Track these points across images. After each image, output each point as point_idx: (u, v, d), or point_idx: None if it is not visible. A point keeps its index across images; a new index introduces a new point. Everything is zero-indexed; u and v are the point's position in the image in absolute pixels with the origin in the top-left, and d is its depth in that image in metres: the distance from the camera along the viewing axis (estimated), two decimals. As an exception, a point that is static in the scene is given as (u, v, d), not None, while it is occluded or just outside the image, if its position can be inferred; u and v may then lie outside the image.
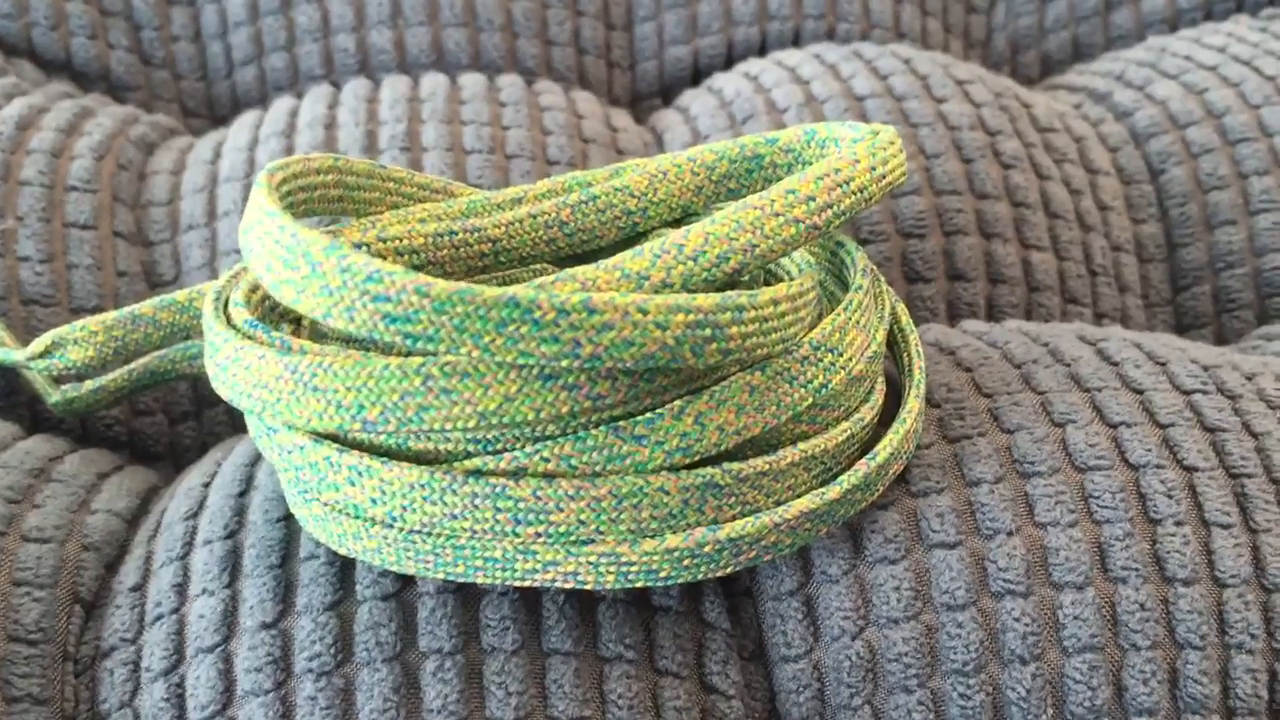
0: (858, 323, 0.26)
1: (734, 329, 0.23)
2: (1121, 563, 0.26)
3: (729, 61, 0.47)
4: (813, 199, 0.24)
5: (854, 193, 0.25)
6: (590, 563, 0.24)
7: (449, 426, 0.22)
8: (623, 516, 0.24)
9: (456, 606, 0.25)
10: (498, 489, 0.23)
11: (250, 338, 0.24)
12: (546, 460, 0.23)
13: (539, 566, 0.24)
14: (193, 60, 0.46)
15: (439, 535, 0.24)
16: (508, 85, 0.41)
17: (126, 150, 0.39)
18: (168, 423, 0.35)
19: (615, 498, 0.24)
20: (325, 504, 0.25)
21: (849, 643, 0.26)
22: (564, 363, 0.21)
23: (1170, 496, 0.26)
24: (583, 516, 0.24)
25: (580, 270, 0.23)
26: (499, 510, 0.23)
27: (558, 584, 0.24)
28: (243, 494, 0.28)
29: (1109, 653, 0.25)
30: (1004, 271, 0.37)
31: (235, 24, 0.45)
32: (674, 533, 0.24)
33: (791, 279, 0.29)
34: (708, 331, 0.22)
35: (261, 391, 0.23)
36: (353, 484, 0.24)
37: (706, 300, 0.22)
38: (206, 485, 0.29)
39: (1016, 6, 0.51)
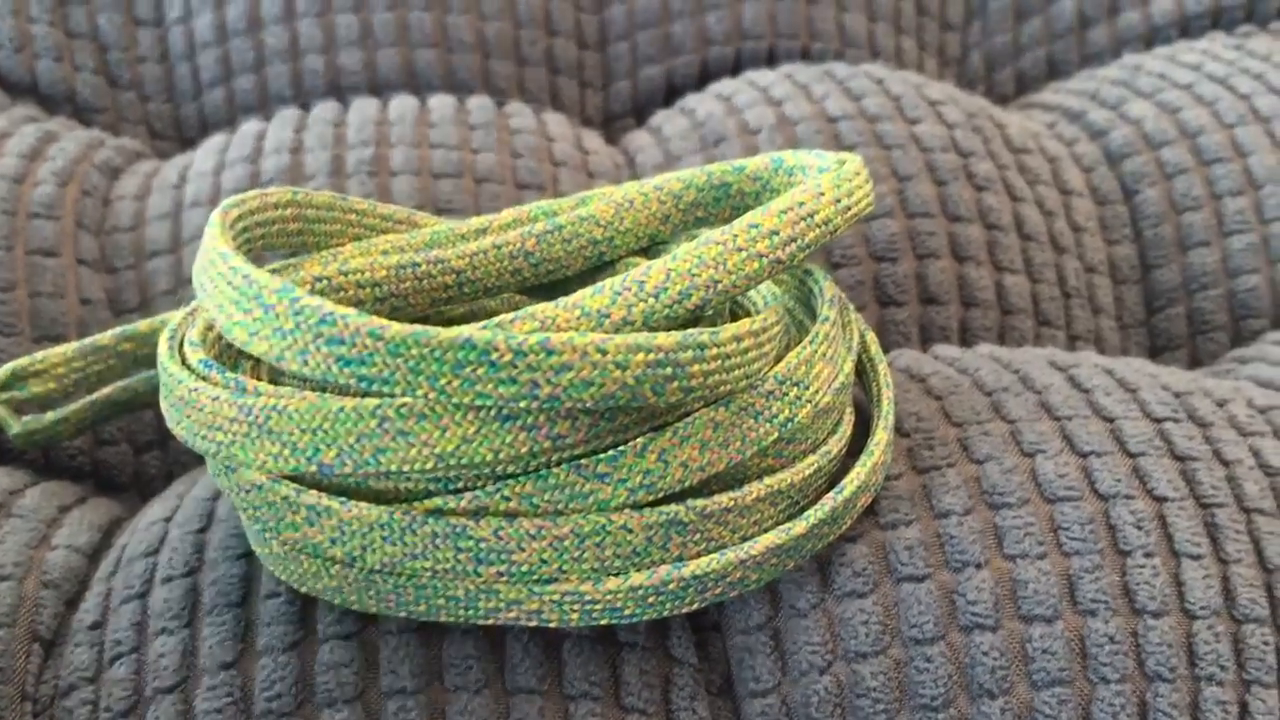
0: (824, 355, 0.26)
1: (695, 367, 0.22)
2: (1091, 595, 0.25)
3: (702, 80, 0.47)
4: (776, 233, 0.24)
5: (818, 226, 0.25)
6: (554, 601, 0.24)
7: (407, 468, 0.22)
8: (586, 555, 0.23)
9: (419, 645, 0.25)
10: (458, 529, 0.23)
11: (204, 378, 0.24)
12: (508, 499, 0.23)
13: (502, 605, 0.24)
14: (160, 82, 0.45)
15: (400, 575, 0.24)
16: (477, 108, 0.41)
17: (90, 176, 0.38)
18: (132, 452, 0.34)
19: (578, 536, 0.23)
20: (285, 543, 0.24)
21: (817, 677, 0.25)
22: (522, 404, 0.21)
23: (1140, 527, 0.26)
24: (545, 556, 0.23)
25: (539, 309, 0.22)
26: (460, 550, 0.23)
27: (521, 623, 0.24)
28: (203, 530, 0.28)
29: (1078, 686, 0.25)
30: (977, 295, 0.36)
31: (203, 45, 0.45)
32: (638, 570, 0.24)
33: (757, 310, 0.29)
34: (668, 370, 0.22)
35: (216, 434, 0.23)
36: (311, 524, 0.23)
37: (667, 339, 0.22)
38: (168, 520, 0.29)
39: (991, 24, 0.51)
